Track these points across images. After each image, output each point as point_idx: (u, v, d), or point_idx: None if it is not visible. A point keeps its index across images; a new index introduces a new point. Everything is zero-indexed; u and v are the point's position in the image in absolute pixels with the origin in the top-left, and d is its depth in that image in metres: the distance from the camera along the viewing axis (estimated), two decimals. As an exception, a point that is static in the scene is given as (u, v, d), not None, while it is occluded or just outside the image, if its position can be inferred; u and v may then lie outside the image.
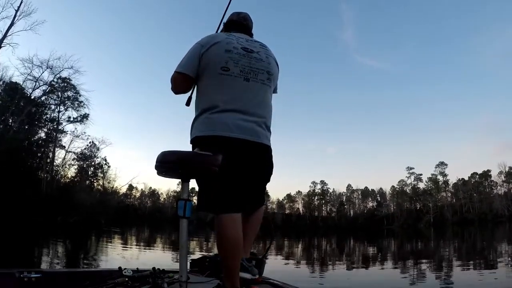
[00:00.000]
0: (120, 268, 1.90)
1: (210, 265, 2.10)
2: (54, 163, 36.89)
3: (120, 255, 9.55)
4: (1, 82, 29.28)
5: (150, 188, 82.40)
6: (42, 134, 36.11)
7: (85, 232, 20.38)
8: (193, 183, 1.93)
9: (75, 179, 41.40)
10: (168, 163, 1.62)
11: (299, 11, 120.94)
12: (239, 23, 2.07)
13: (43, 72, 30.06)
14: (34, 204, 24.75)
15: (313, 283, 6.27)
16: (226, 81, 1.78)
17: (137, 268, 2.00)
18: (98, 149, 44.25)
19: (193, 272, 2.10)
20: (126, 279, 1.80)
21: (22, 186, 24.07)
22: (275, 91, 2.04)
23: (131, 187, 74.43)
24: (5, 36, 25.20)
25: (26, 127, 31.65)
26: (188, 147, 1.85)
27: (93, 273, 2.07)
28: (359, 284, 6.53)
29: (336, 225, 74.12)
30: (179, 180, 1.71)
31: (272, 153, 1.96)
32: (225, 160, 1.67)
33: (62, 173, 39.11)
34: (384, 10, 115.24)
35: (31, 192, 24.92)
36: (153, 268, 1.92)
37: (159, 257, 9.69)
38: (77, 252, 10.07)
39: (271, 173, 1.97)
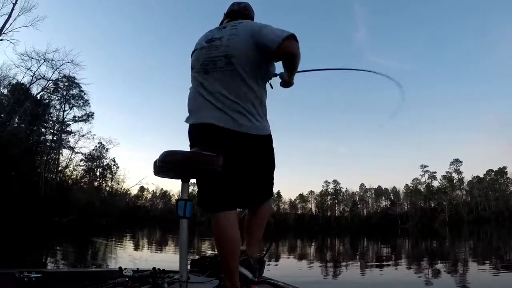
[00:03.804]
0: (120, 268, 1.89)
1: (210, 265, 2.08)
2: (60, 164, 37.15)
3: (121, 256, 9.55)
4: (6, 82, 29.26)
5: (162, 189, 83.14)
6: (48, 134, 36.21)
7: (79, 232, 19.83)
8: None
9: (83, 180, 41.62)
10: (168, 163, 1.59)
11: (312, 12, 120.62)
12: (238, 12, 1.99)
13: (40, 66, 29.23)
14: (28, 204, 24.01)
15: (325, 283, 6.21)
16: (192, 80, 1.82)
17: (138, 268, 2.00)
18: (106, 150, 44.69)
19: (193, 272, 2.08)
20: (126, 279, 1.79)
21: (17, 186, 23.47)
22: (271, 56, 1.68)
23: (142, 189, 75.30)
24: (1, 31, 24.23)
25: (28, 127, 31.61)
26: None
27: (93, 273, 2.07)
28: (373, 284, 6.44)
29: (349, 225, 73.42)
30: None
31: (265, 141, 1.80)
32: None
33: (68, 173, 39.35)
34: (397, 9, 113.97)
35: (24, 191, 24.27)
36: (154, 268, 1.92)
37: (169, 258, 9.70)
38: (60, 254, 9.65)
39: (261, 163, 1.82)
